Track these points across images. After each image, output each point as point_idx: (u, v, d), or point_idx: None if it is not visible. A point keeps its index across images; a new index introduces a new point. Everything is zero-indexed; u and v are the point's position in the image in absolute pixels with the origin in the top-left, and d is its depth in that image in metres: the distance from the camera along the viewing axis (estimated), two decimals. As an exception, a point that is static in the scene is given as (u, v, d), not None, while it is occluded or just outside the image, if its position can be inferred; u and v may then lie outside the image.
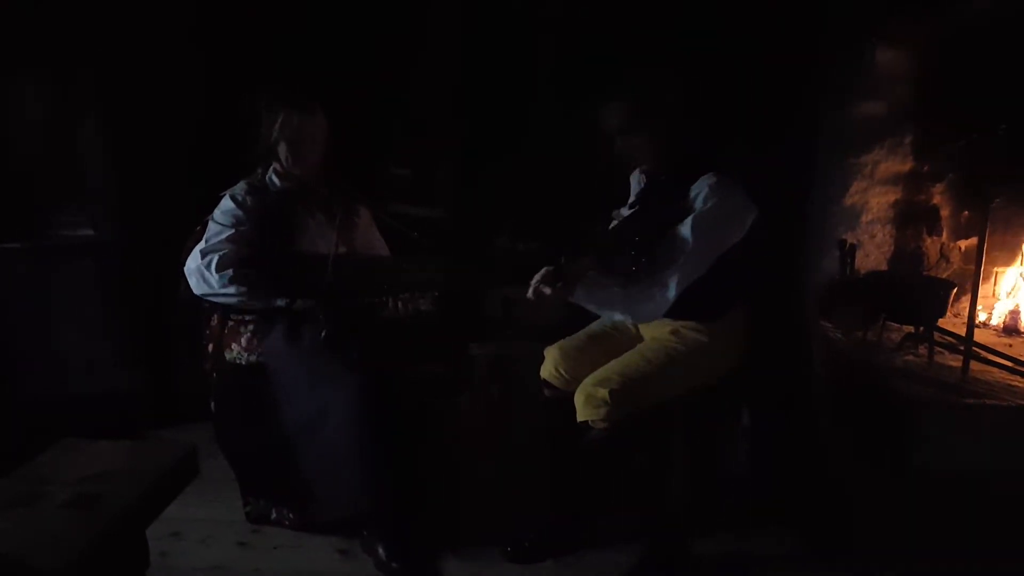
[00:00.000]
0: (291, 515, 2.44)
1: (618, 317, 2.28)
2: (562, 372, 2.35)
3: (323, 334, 2.28)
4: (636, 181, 2.47)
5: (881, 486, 2.66)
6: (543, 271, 2.09)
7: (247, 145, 2.43)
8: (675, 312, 2.15)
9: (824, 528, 2.47)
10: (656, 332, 2.33)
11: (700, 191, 2.11)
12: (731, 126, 2.69)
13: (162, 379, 3.18)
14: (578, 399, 2.19)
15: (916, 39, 3.06)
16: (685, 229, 2.08)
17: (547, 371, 2.39)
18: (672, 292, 2.08)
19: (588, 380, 2.20)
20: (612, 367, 2.23)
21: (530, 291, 2.10)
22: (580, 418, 2.19)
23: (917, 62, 3.13)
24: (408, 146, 3.41)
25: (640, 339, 2.40)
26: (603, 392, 2.14)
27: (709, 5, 2.91)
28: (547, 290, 2.07)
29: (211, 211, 2.43)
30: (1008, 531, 2.44)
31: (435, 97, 3.37)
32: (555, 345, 2.41)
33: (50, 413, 2.79)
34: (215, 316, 2.48)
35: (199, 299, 2.46)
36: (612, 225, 2.32)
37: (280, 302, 2.35)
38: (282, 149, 2.38)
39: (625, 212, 2.37)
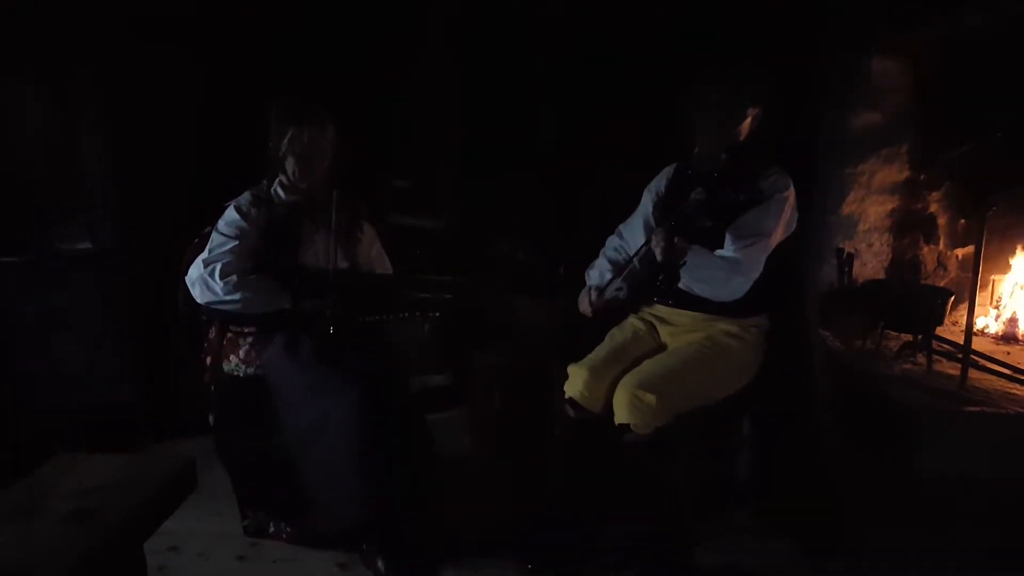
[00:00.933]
0: (289, 528, 2.43)
1: (704, 291, 2.30)
2: (590, 392, 2.28)
3: (331, 329, 2.27)
4: (652, 193, 2.53)
5: (880, 493, 2.65)
6: (662, 230, 2.20)
7: (253, 156, 2.42)
8: (716, 305, 2.27)
9: (824, 535, 2.46)
10: (690, 337, 2.34)
11: (774, 179, 2.27)
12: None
13: (162, 391, 3.17)
14: (620, 400, 2.15)
15: (912, 49, 3.08)
16: (767, 210, 2.23)
17: (575, 390, 2.30)
18: (759, 268, 2.23)
19: (629, 380, 2.16)
20: (654, 370, 2.21)
21: (658, 247, 2.19)
22: (620, 420, 2.15)
23: (913, 72, 3.15)
24: (408, 157, 3.42)
25: (662, 347, 2.39)
26: (650, 397, 2.10)
27: (707, 14, 2.94)
28: (683, 243, 2.18)
29: (211, 223, 2.43)
30: (1007, 538, 2.44)
31: (435, 108, 3.38)
32: (581, 363, 2.33)
33: (50, 425, 2.78)
34: (213, 328, 2.47)
35: (198, 311, 2.46)
36: (686, 209, 2.32)
37: (285, 303, 2.33)
38: (290, 164, 2.36)
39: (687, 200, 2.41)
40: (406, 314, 2.34)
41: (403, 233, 2.74)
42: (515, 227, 3.23)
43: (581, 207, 3.16)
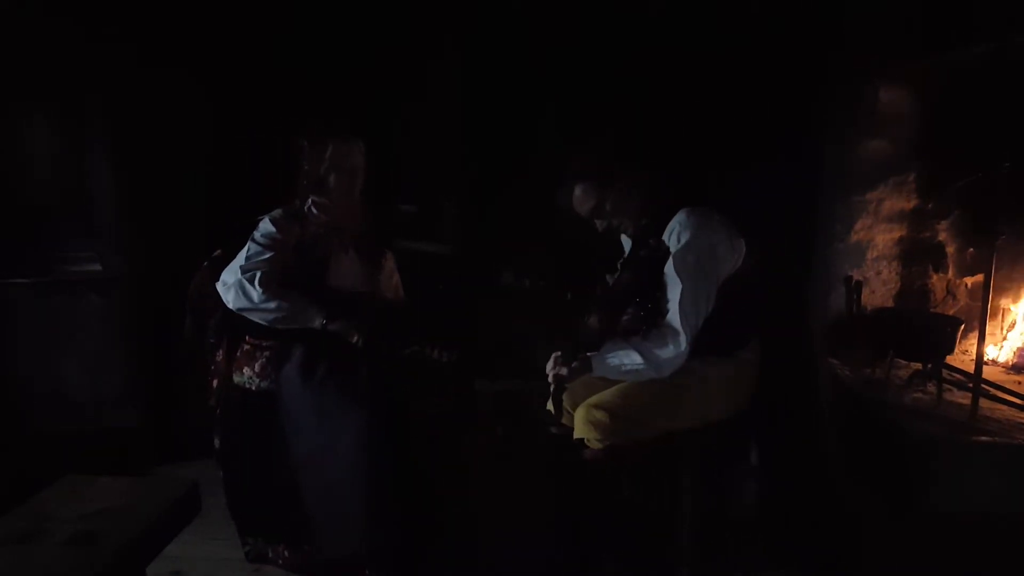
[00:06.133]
0: (287, 554, 2.40)
1: (647, 375, 2.15)
2: (567, 408, 2.32)
3: (357, 340, 2.30)
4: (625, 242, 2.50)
5: (890, 525, 2.62)
6: (553, 357, 2.13)
7: (286, 178, 2.44)
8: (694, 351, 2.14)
9: (834, 568, 2.42)
10: None
11: (672, 229, 2.14)
12: (728, 159, 2.74)
13: (166, 415, 3.17)
14: (577, 416, 2.20)
15: (919, 78, 3.09)
16: (670, 270, 2.09)
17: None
18: (684, 335, 2.06)
19: (591, 399, 2.21)
20: (616, 390, 2.23)
21: (549, 376, 2.13)
22: (576, 435, 2.20)
23: (921, 100, 3.16)
24: (415, 183, 3.44)
25: None
26: (602, 414, 2.14)
27: (713, 35, 2.96)
28: (564, 371, 2.10)
29: (220, 247, 2.44)
30: (1018, 572, 2.40)
31: (440, 135, 3.40)
32: None
33: (54, 448, 2.78)
34: (220, 352, 2.47)
35: (205, 335, 2.46)
36: (607, 288, 2.32)
37: (317, 322, 2.33)
38: (333, 179, 2.39)
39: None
40: (426, 348, 2.38)
41: (411, 256, 2.76)
42: (521, 254, 3.24)
43: (587, 237, 3.16)
